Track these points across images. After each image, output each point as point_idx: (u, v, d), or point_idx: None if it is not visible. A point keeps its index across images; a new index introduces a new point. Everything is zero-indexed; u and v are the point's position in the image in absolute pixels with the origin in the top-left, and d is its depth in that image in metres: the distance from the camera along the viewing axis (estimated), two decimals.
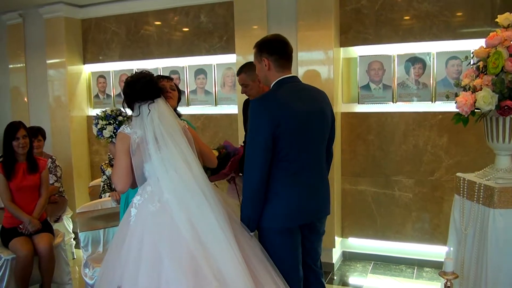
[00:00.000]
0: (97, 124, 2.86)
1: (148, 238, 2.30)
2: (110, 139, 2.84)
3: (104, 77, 5.71)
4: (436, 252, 4.21)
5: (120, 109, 2.91)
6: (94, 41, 5.68)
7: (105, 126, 2.82)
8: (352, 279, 4.27)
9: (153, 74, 2.63)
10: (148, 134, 2.45)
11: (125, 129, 2.52)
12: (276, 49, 2.53)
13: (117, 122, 2.83)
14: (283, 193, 2.46)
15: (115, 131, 2.79)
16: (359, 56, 4.41)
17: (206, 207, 2.34)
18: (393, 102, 4.32)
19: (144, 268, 2.22)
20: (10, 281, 3.67)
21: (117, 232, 2.58)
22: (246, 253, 2.35)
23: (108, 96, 5.71)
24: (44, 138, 4.83)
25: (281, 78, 2.53)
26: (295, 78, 2.59)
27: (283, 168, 2.44)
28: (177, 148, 2.45)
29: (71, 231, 4.94)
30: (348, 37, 4.42)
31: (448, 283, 2.58)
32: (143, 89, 2.52)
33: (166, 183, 2.40)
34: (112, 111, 2.89)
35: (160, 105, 2.55)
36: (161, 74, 5.23)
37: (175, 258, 2.21)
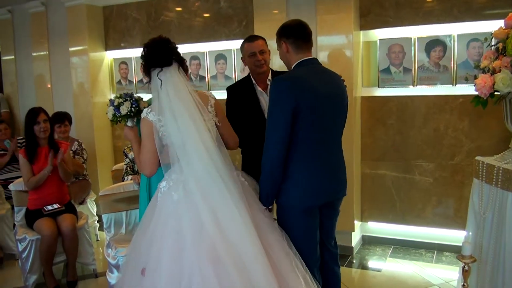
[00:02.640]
0: (113, 103, 2.82)
1: (171, 225, 2.31)
2: (127, 119, 2.78)
3: (126, 63, 5.79)
4: (456, 236, 4.19)
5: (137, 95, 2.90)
6: (115, 28, 5.75)
7: (122, 103, 2.78)
8: (372, 263, 4.28)
9: (170, 40, 2.50)
10: (166, 111, 2.39)
11: (148, 115, 2.44)
12: (292, 32, 2.59)
13: (134, 99, 2.79)
14: (306, 172, 2.52)
15: (132, 107, 2.75)
16: (379, 39, 4.37)
17: (226, 196, 2.32)
18: (413, 85, 4.27)
19: (167, 254, 2.24)
20: (35, 261, 3.82)
21: (144, 216, 2.59)
22: (266, 238, 2.35)
23: (130, 82, 5.78)
24: (70, 123, 4.95)
25: (301, 60, 2.58)
26: (314, 60, 2.63)
27: (304, 148, 2.49)
28: (197, 131, 2.38)
29: (95, 214, 5.08)
30: (368, 20, 4.37)
31: (466, 266, 2.58)
32: (155, 53, 2.43)
33: (189, 171, 2.37)
34: (126, 93, 2.89)
35: (173, 75, 2.44)
36: None
37: (197, 246, 2.21)
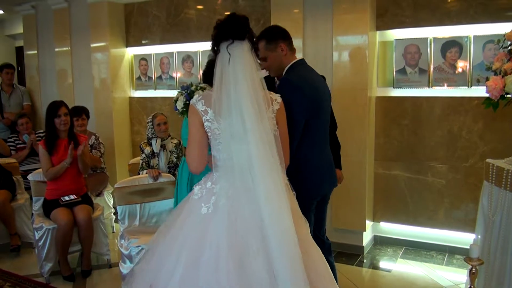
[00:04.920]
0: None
1: (191, 242, 2.07)
2: (185, 115, 2.53)
3: (146, 60, 5.88)
4: (467, 239, 4.13)
5: (198, 83, 2.67)
6: (136, 25, 5.85)
7: (178, 98, 2.57)
8: (382, 263, 4.28)
9: (248, 18, 2.19)
10: (225, 99, 2.04)
11: (197, 103, 2.11)
12: (287, 35, 2.73)
13: (188, 92, 2.55)
14: (310, 166, 2.67)
15: (186, 101, 2.50)
16: (396, 39, 4.35)
17: (282, 221, 1.98)
18: (428, 86, 4.25)
19: (178, 276, 2.01)
20: (51, 249, 3.94)
21: (168, 218, 2.36)
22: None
23: (150, 78, 5.87)
24: (88, 117, 5.06)
25: (295, 61, 2.72)
26: (304, 61, 2.78)
27: (308, 143, 2.63)
28: (261, 135, 2.01)
29: (112, 206, 5.18)
30: (384, 20, 4.36)
31: (473, 269, 2.58)
32: (227, 22, 2.12)
33: (229, 183, 2.10)
34: (184, 85, 2.67)
35: (244, 53, 2.08)
36: (200, 57, 5.39)
37: (214, 275, 1.95)
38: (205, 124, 2.10)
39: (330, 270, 2.26)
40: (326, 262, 2.26)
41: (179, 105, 2.57)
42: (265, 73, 2.70)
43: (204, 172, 2.23)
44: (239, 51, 2.06)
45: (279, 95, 2.27)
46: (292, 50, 2.72)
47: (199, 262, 1.99)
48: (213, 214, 2.07)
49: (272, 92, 2.24)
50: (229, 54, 2.05)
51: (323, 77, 2.94)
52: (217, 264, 1.95)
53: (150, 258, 2.22)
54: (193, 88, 2.56)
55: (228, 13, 2.27)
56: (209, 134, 2.12)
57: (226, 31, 2.09)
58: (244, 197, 2.04)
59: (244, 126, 2.00)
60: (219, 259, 1.96)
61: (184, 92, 2.55)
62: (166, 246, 2.15)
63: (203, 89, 2.55)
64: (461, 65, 4.08)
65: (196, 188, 2.21)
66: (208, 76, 2.77)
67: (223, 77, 2.06)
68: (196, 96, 2.16)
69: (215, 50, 2.14)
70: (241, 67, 2.05)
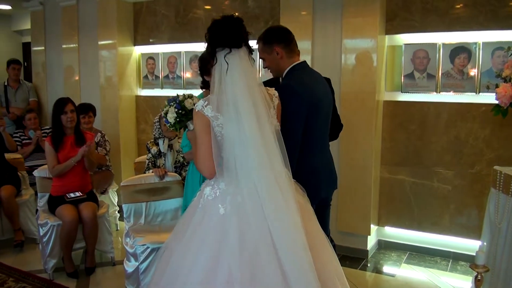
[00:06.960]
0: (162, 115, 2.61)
1: (212, 240, 2.05)
2: (178, 126, 2.53)
3: (153, 59, 5.89)
4: (472, 246, 4.14)
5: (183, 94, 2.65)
6: (144, 23, 5.86)
7: (168, 110, 2.54)
8: (386, 268, 4.27)
9: (243, 20, 2.19)
10: (227, 105, 2.05)
11: (204, 109, 2.09)
12: (284, 36, 2.66)
13: (177, 102, 2.52)
14: (311, 170, 2.63)
15: (176, 113, 2.49)
16: (404, 44, 4.35)
17: (285, 216, 2.04)
18: (436, 92, 4.25)
19: (199, 271, 2.01)
20: (55, 245, 3.95)
21: (179, 223, 2.32)
22: (318, 254, 2.14)
23: (157, 77, 5.88)
24: (95, 114, 5.07)
25: (295, 64, 2.66)
26: (305, 64, 2.72)
27: (308, 147, 2.60)
28: (262, 136, 2.06)
29: (116, 204, 5.19)
30: (393, 25, 4.36)
31: (479, 276, 2.57)
32: (224, 29, 2.10)
33: (245, 183, 2.08)
34: (171, 97, 2.61)
35: (242, 60, 2.11)
36: None
37: (240, 267, 1.96)
38: (215, 129, 2.08)
39: (340, 266, 2.31)
40: (336, 257, 2.31)
41: (171, 117, 2.49)
42: (270, 74, 2.79)
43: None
44: (237, 60, 2.09)
45: (274, 88, 2.30)
46: (291, 53, 2.64)
47: (219, 262, 1.99)
48: (233, 213, 2.07)
49: (268, 88, 2.26)
50: (227, 64, 2.07)
51: (328, 79, 2.91)
52: (240, 260, 1.97)
53: (164, 266, 2.18)
54: (181, 98, 2.53)
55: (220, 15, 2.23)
56: (219, 138, 2.10)
57: (223, 39, 2.09)
58: (249, 200, 2.06)
59: (245, 133, 2.04)
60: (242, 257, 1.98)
61: (172, 103, 2.50)
62: (181, 250, 2.13)
63: (191, 96, 2.53)
64: (469, 71, 4.07)
65: (207, 189, 2.19)
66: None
67: (221, 86, 2.08)
68: (201, 102, 2.12)
69: (212, 57, 2.14)
70: (239, 76, 2.07)
